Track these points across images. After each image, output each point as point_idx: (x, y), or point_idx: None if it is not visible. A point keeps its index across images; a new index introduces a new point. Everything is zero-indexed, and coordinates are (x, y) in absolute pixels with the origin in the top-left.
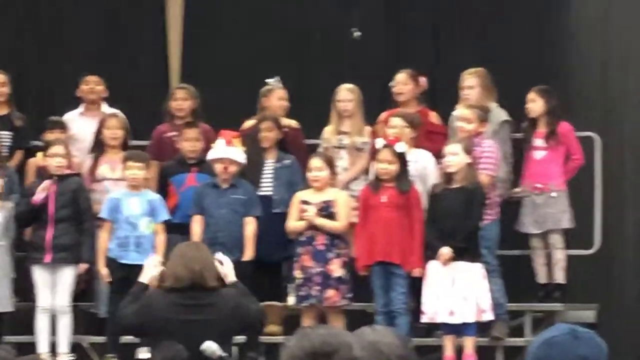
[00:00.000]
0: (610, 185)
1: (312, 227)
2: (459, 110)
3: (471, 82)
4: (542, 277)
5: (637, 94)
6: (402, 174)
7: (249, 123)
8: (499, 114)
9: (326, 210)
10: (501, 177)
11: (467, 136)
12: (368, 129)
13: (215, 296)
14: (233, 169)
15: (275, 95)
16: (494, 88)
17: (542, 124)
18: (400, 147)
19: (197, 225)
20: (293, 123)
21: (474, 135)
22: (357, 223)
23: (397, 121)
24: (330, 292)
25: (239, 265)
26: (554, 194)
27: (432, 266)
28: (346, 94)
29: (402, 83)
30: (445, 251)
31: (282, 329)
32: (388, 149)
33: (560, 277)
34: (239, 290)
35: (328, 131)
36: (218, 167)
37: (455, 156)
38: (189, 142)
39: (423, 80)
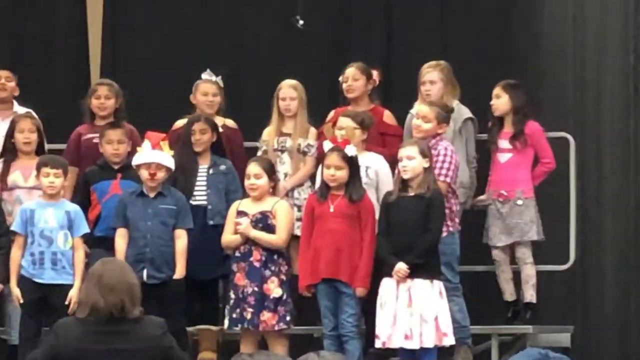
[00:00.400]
0: (586, 191)
1: (249, 241)
2: (418, 107)
3: (433, 76)
4: (508, 295)
5: (614, 92)
6: (353, 180)
7: (179, 123)
8: (462, 112)
9: (263, 222)
10: (464, 182)
11: (424, 137)
12: (313, 130)
13: (138, 324)
14: (161, 175)
15: (200, 90)
16: (456, 84)
17: (508, 123)
18: (350, 150)
19: (121, 240)
20: (229, 123)
21: (430, 136)
22: (301, 236)
23: (346, 121)
24: (266, 315)
25: (168, 285)
26: (520, 202)
27: (386, 284)
28: (288, 91)
29: (353, 78)
30: (401, 267)
31: (217, 356)
32: (336, 152)
33: (530, 295)
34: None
35: (268, 132)
36: (144, 174)
37: (411, 160)
38: (111, 145)
39: (376, 74)
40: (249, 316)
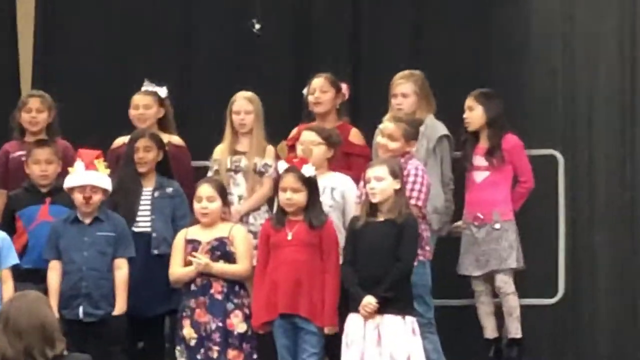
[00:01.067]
0: (577, 215)
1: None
2: (383, 124)
3: (406, 88)
4: (490, 332)
5: (608, 104)
6: (312, 204)
7: (119, 141)
8: (437, 128)
9: (221, 250)
10: (438, 207)
11: (390, 157)
12: (271, 148)
13: None
14: (97, 198)
15: (132, 102)
16: (432, 97)
17: (483, 137)
18: (307, 170)
19: (54, 274)
20: (175, 140)
21: (398, 155)
22: (256, 267)
23: (309, 136)
24: (231, 354)
25: (108, 323)
26: (497, 226)
27: (353, 320)
28: (243, 104)
29: (321, 90)
30: (369, 302)
31: None
32: (292, 173)
33: (514, 329)
34: None
35: (220, 151)
36: (78, 197)
37: (380, 181)
38: (38, 165)
39: (345, 88)
40: (215, 355)
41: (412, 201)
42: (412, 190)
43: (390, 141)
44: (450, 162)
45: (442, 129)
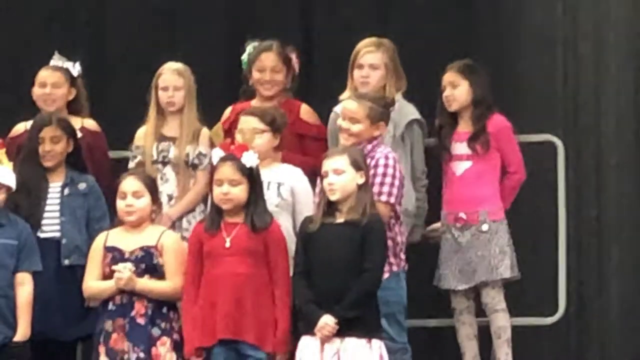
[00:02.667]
0: (582, 214)
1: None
2: (343, 103)
3: (374, 58)
4: (469, 358)
5: (619, 81)
6: (254, 201)
7: (19, 128)
8: (406, 111)
9: (147, 261)
10: (408, 209)
11: (354, 143)
12: (206, 132)
13: None
14: None
15: (37, 80)
16: (402, 72)
17: (465, 120)
18: (248, 158)
19: None
20: (89, 124)
21: (364, 141)
22: (185, 280)
23: (250, 122)
24: None
25: (7, 349)
26: (485, 227)
27: (307, 344)
28: (171, 78)
29: (273, 69)
30: (327, 323)
31: None
32: (230, 162)
33: (504, 355)
34: None
35: (144, 135)
36: None
37: (340, 175)
38: None
39: (294, 59)
40: None
41: (383, 197)
42: (382, 184)
43: (352, 124)
44: (423, 152)
45: (412, 112)
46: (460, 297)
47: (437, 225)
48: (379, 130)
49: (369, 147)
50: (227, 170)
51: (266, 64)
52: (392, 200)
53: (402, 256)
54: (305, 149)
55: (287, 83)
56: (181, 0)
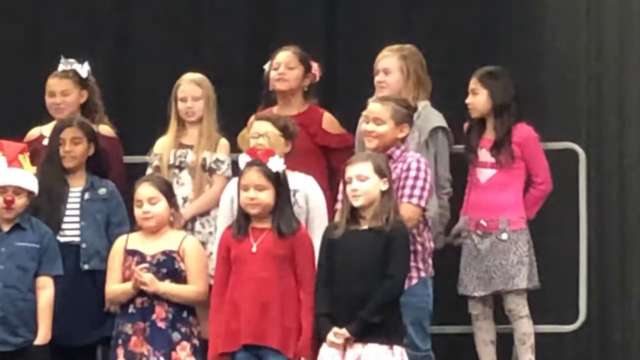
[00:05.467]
0: (604, 223)
1: (146, 292)
2: (369, 106)
3: (389, 63)
4: None
5: None
6: (281, 206)
7: (34, 133)
8: (431, 118)
9: (168, 266)
10: (430, 216)
11: (379, 146)
12: (224, 141)
13: None
14: (20, 202)
15: (47, 87)
16: (426, 78)
17: (489, 127)
18: (275, 163)
19: None
20: (104, 130)
21: (389, 144)
22: (213, 287)
23: (264, 126)
24: None
25: (27, 353)
26: (504, 236)
27: (329, 350)
28: (190, 88)
29: (287, 66)
30: (338, 333)
31: None
32: (256, 167)
33: None
34: None
35: (162, 144)
36: None
37: (364, 182)
38: None
39: (316, 67)
40: None
41: (414, 200)
42: (413, 187)
43: (377, 125)
44: (448, 160)
45: (437, 120)
46: (476, 303)
47: (458, 226)
48: (403, 133)
49: (398, 152)
50: (253, 176)
51: (280, 60)
52: (423, 203)
53: (430, 262)
54: (332, 159)
55: (304, 86)
56: (204, 7)
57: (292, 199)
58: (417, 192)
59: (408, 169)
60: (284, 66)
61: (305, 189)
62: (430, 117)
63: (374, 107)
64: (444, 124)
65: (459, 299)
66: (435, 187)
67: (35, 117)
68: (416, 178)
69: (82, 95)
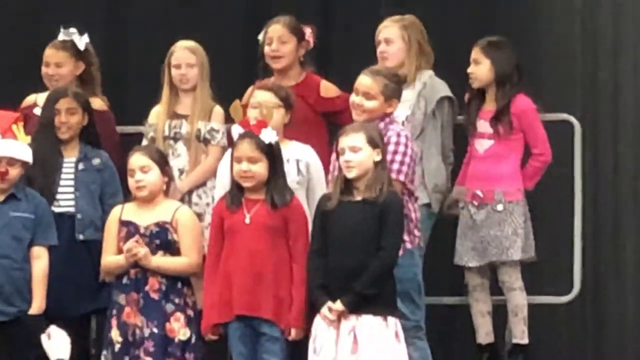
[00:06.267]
0: (599, 194)
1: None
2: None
3: (390, 32)
4: (483, 336)
5: (635, 62)
6: (275, 178)
7: (30, 100)
8: (437, 88)
9: (161, 238)
10: (439, 185)
11: (368, 119)
12: (219, 109)
13: None
14: (15, 172)
15: (44, 57)
16: (428, 48)
17: (490, 98)
18: (268, 135)
19: None
20: (97, 104)
21: (376, 118)
22: (207, 257)
23: (265, 96)
24: None
25: (21, 323)
26: (500, 207)
27: (322, 322)
28: (184, 55)
29: (280, 40)
30: (332, 308)
31: None
32: (248, 139)
33: (520, 333)
34: None
35: (157, 114)
36: None
37: (357, 152)
38: None
39: (309, 33)
40: None
41: (393, 175)
42: (392, 161)
43: (366, 100)
44: (452, 130)
45: (443, 89)
46: (473, 274)
47: (453, 195)
48: (391, 108)
49: (382, 125)
50: (246, 148)
51: (273, 35)
52: (402, 177)
53: (417, 233)
54: (340, 122)
55: (300, 56)
56: None
57: (295, 168)
58: (395, 166)
59: (388, 143)
60: (276, 41)
61: (306, 157)
62: (436, 86)
63: (364, 80)
64: (450, 93)
65: (455, 270)
66: (442, 157)
67: (34, 85)
68: (395, 152)
69: (79, 66)
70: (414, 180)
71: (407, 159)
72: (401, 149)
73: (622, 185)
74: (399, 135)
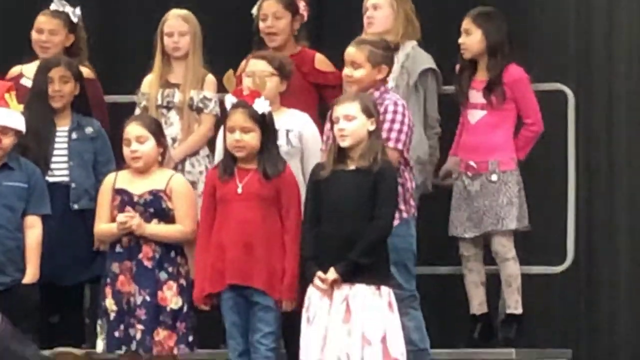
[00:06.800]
0: (592, 164)
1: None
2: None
3: None
4: (476, 306)
5: (631, 28)
6: (267, 148)
7: (16, 70)
8: (420, 59)
9: (155, 206)
10: (420, 156)
11: (358, 89)
12: (211, 78)
13: None
14: (8, 141)
15: (35, 25)
16: (414, 18)
17: (481, 68)
18: (261, 105)
19: None
20: (84, 72)
21: (369, 87)
22: (199, 227)
23: (259, 65)
24: (161, 334)
25: (15, 292)
26: (494, 177)
27: (315, 292)
28: (177, 24)
29: (274, 16)
30: (324, 278)
31: None
32: (241, 109)
33: (514, 303)
34: (9, 331)
35: (149, 83)
36: None
37: (351, 121)
38: None
39: (303, 6)
40: (138, 335)
41: (391, 143)
42: (390, 130)
43: (354, 69)
44: (436, 101)
45: (426, 61)
46: (467, 244)
47: (447, 166)
48: (381, 74)
49: (377, 94)
50: (238, 118)
51: (267, 11)
52: (400, 146)
53: (412, 202)
54: (326, 97)
55: (294, 31)
56: None
57: (285, 139)
58: (394, 135)
59: (385, 112)
60: (271, 18)
61: (300, 127)
62: (419, 58)
63: (349, 50)
64: (433, 65)
65: (449, 240)
66: (424, 128)
67: (19, 56)
68: (393, 121)
69: (69, 38)
70: (410, 149)
71: (405, 128)
72: (399, 117)
73: (615, 155)
74: (396, 104)
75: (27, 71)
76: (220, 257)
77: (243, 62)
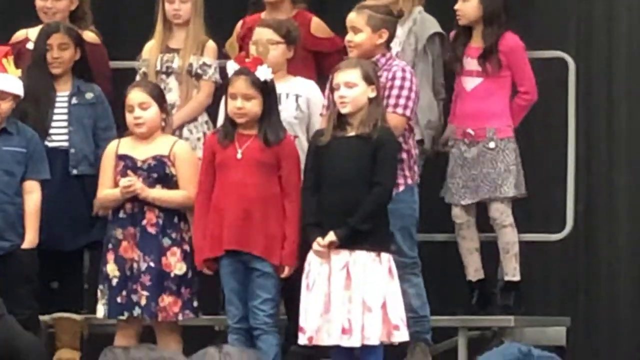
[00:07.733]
0: (591, 133)
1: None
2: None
3: None
4: (472, 272)
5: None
6: (268, 115)
7: (20, 35)
8: (427, 24)
9: (159, 171)
10: (432, 121)
11: (360, 55)
12: (212, 44)
13: None
14: (6, 106)
15: None
16: None
17: (477, 35)
18: (263, 72)
19: None
20: (89, 36)
21: (370, 51)
22: (197, 192)
23: (265, 33)
24: (166, 300)
25: (14, 257)
26: (492, 145)
27: (315, 258)
28: None
29: None
30: (321, 242)
31: (80, 356)
32: (244, 76)
33: (512, 270)
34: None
35: (150, 49)
36: None
37: (352, 88)
38: None
39: None
40: (143, 301)
41: (399, 110)
42: (398, 96)
43: (355, 34)
44: (442, 66)
45: (433, 26)
46: (460, 211)
47: (446, 134)
48: (382, 38)
49: (383, 60)
50: (241, 84)
51: None
52: (408, 112)
53: (416, 169)
54: (324, 64)
55: None
56: None
57: (294, 104)
58: (402, 101)
59: (393, 78)
60: None
61: (307, 93)
62: (426, 23)
63: (350, 15)
64: (439, 29)
65: (446, 206)
66: (434, 93)
67: (26, 20)
68: (401, 87)
69: (73, 2)
70: (418, 113)
71: (413, 95)
72: (407, 84)
73: (615, 123)
74: (404, 70)
75: (33, 35)
76: (219, 223)
77: (238, 25)
